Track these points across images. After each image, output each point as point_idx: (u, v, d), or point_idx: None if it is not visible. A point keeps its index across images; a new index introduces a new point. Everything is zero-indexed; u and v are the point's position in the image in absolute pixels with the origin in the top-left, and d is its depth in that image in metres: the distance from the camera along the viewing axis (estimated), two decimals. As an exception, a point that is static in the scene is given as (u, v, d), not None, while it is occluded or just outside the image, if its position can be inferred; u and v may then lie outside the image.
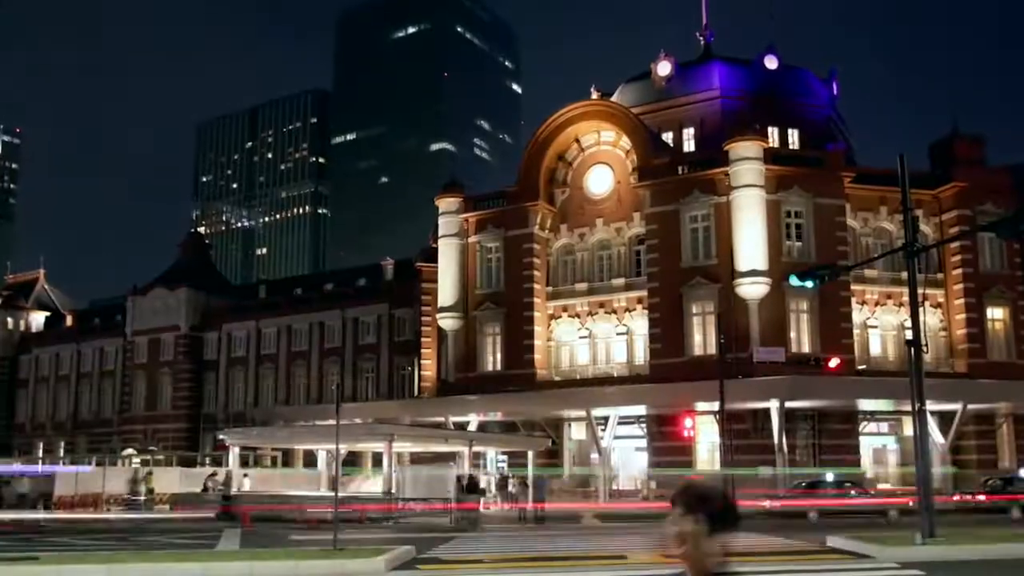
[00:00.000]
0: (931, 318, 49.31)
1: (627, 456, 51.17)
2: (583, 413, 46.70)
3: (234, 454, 40.31)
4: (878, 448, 48.79)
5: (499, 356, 53.76)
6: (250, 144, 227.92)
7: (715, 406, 36.72)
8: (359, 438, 39.48)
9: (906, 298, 34.83)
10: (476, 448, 43.22)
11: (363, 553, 18.25)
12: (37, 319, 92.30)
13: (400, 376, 68.08)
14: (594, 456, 48.43)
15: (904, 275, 41.55)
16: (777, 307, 46.00)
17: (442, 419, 49.81)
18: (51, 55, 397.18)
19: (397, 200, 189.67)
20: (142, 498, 41.06)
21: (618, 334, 51.63)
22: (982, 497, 34.05)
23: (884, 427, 48.70)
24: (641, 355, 50.57)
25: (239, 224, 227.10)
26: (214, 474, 42.61)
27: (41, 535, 26.72)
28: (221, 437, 43.19)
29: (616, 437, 46.68)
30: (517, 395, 50.43)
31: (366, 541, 22.44)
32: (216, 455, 67.36)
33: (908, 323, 28.34)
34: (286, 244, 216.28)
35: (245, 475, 41.10)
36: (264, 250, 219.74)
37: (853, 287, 47.46)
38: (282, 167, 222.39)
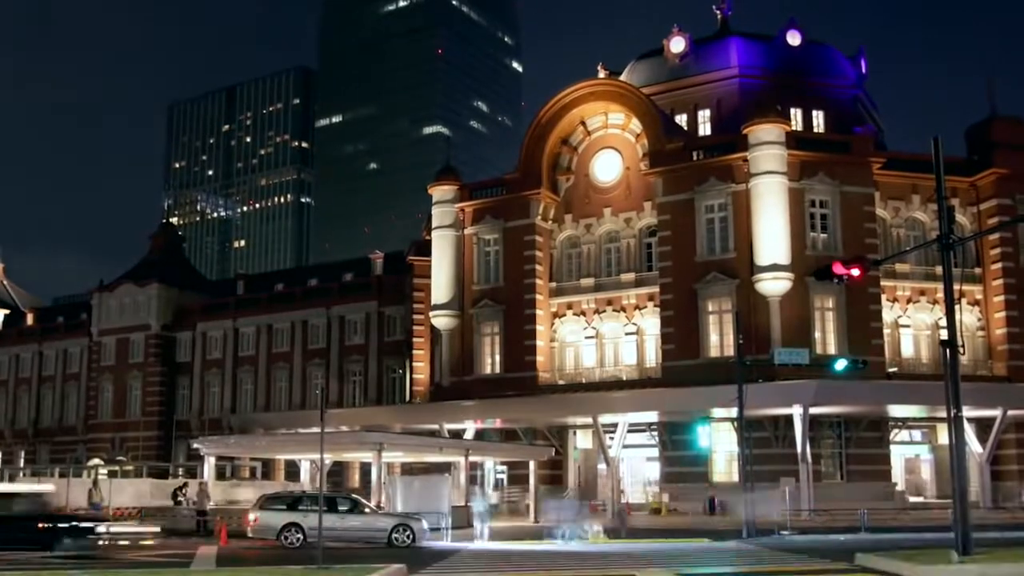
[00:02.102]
0: (968, 316, 49.33)
1: (637, 467, 51.22)
2: (589, 420, 46.75)
3: (209, 464, 40.34)
4: (910, 458, 48.91)
5: (498, 358, 53.80)
6: (227, 127, 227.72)
7: (733, 412, 36.72)
8: (345, 447, 39.49)
9: (941, 295, 34.76)
10: (473, 458, 43.27)
11: (350, 572, 18.26)
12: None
13: (390, 379, 68.14)
14: (601, 467, 48.52)
15: (939, 270, 41.43)
16: (800, 305, 46.03)
17: (436, 426, 49.89)
18: (3, 33, 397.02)
19: (387, 188, 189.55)
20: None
21: (627, 334, 51.67)
22: None
23: (917, 435, 48.82)
24: (652, 357, 50.61)
25: (215, 214, 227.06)
26: (184, 485, 42.58)
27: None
28: (195, 446, 43.20)
29: (625, 446, 46.76)
30: (517, 400, 50.47)
31: (353, 558, 22.47)
32: (190, 465, 67.42)
33: (943, 322, 28.33)
34: (266, 236, 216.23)
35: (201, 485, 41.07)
36: (242, 242, 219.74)
37: (883, 283, 47.48)
38: (262, 152, 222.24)
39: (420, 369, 61.37)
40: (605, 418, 45.97)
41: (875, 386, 43.00)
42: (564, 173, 54.99)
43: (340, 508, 28.52)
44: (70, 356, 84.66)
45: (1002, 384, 46.44)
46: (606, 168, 53.79)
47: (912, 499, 45.45)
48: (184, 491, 41.85)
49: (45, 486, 33.63)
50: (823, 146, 49.09)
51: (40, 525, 22.94)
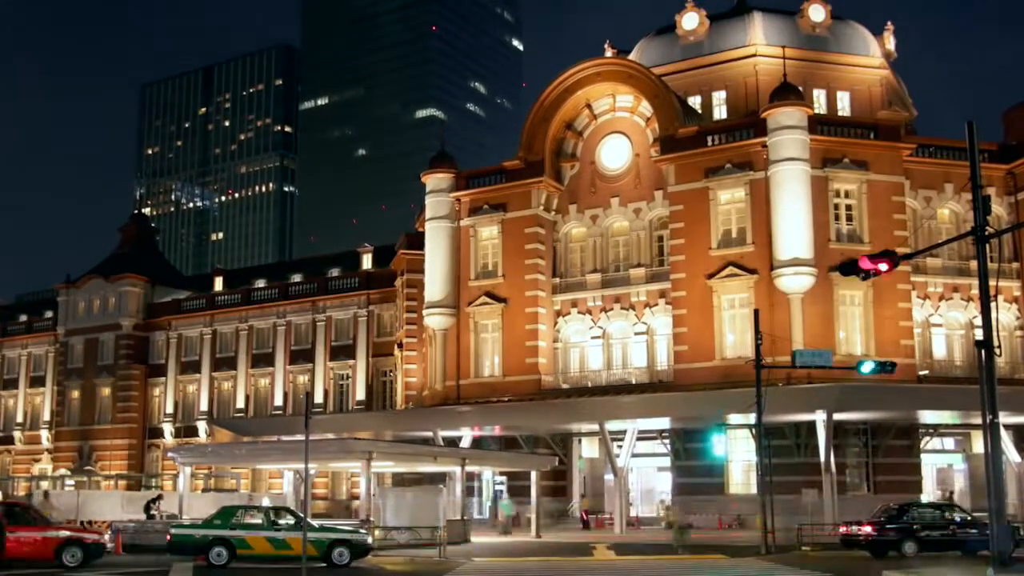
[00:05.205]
0: (1005, 315, 49.33)
1: (647, 477, 51.23)
2: (596, 427, 46.74)
3: (185, 475, 40.33)
4: (942, 468, 48.88)
5: (497, 359, 53.79)
6: (204, 110, 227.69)
7: (751, 419, 36.72)
8: (332, 456, 39.47)
9: (975, 291, 34.72)
10: (470, 468, 43.27)
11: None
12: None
13: (380, 383, 68.19)
14: (608, 477, 48.52)
15: (973, 264, 41.52)
16: (824, 302, 46.02)
17: (429, 434, 49.88)
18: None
19: (377, 176, 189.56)
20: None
21: (637, 334, 51.66)
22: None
23: (949, 443, 48.81)
24: (664, 358, 50.61)
25: (191, 204, 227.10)
26: (159, 498, 42.67)
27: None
28: (171, 455, 43.20)
29: (634, 455, 46.74)
30: (518, 405, 50.47)
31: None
32: (165, 475, 67.48)
33: (978, 321, 28.31)
34: (246, 227, 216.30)
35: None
36: (220, 235, 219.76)
37: (913, 279, 47.47)
38: (241, 137, 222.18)
39: (413, 372, 61.41)
40: (613, 425, 45.95)
41: (904, 390, 42.97)
42: (568, 160, 54.97)
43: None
44: (34, 358, 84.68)
45: (1042, 388, 46.44)
46: (614, 155, 53.76)
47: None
48: (158, 504, 41.92)
49: None
50: (849, 131, 49.01)
51: None
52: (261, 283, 77.41)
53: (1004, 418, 29.85)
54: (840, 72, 56.96)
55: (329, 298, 70.61)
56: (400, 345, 63.47)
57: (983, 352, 18.96)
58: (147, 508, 41.49)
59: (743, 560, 28.49)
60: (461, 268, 55.34)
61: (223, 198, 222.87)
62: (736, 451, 46.42)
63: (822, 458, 41.14)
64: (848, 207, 47.66)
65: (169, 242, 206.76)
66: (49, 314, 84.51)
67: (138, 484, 64.59)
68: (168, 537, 27.83)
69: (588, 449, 52.43)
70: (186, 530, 28.05)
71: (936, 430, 46.62)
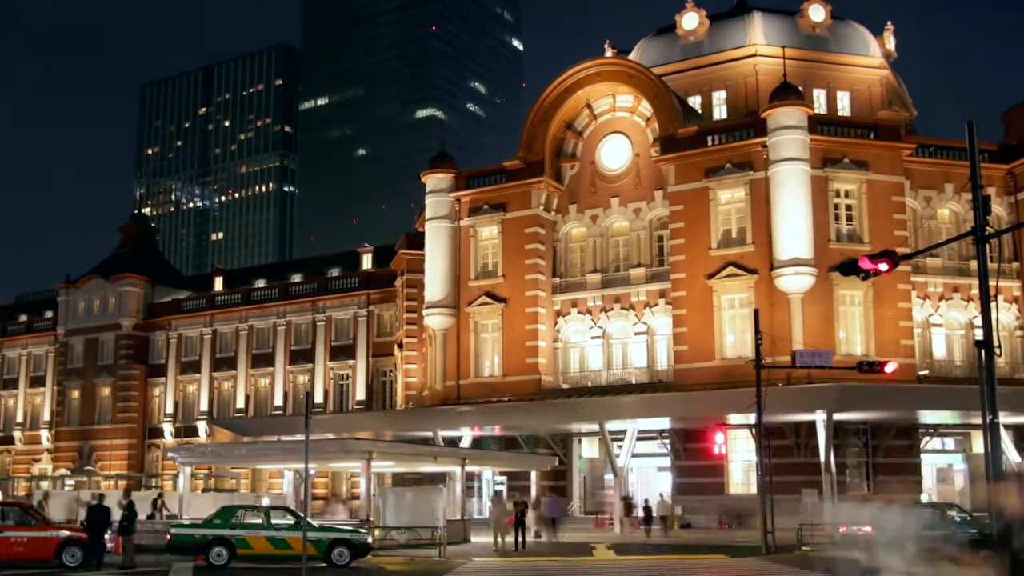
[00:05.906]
0: (1005, 315, 49.32)
1: (647, 477, 51.21)
2: (595, 427, 46.76)
3: (185, 475, 40.36)
4: (942, 467, 48.86)
5: (497, 359, 53.80)
6: (204, 110, 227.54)
7: (751, 419, 36.71)
8: (332, 456, 39.49)
9: (975, 291, 34.74)
10: (470, 468, 43.28)
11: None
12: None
13: (381, 383, 68.18)
14: (608, 477, 48.53)
15: (973, 264, 41.51)
16: (824, 302, 46.03)
17: (429, 434, 49.89)
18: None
19: (377, 176, 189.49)
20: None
21: (637, 334, 51.66)
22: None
23: (950, 443, 48.80)
24: (664, 358, 50.62)
25: (191, 204, 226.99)
26: (160, 497, 42.73)
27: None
28: (171, 455, 43.24)
29: (634, 455, 46.76)
30: (518, 405, 50.47)
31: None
32: (165, 475, 67.50)
33: (978, 320, 28.32)
34: (246, 227, 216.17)
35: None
36: (220, 235, 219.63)
37: (913, 279, 47.47)
38: (241, 137, 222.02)
39: (413, 372, 61.41)
40: (613, 425, 45.97)
41: (904, 390, 42.97)
42: (568, 160, 54.97)
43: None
44: (34, 358, 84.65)
45: (1042, 388, 46.41)
46: (614, 155, 53.77)
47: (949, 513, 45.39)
48: (160, 502, 41.99)
49: None
50: (848, 131, 49.04)
51: None
52: (261, 283, 77.41)
53: (1004, 418, 29.86)
54: (840, 72, 56.99)
55: (329, 298, 70.62)
56: (400, 345, 63.46)
57: (983, 352, 18.93)
58: (152, 509, 41.54)
59: (743, 560, 28.49)
60: (461, 268, 55.34)
61: (223, 198, 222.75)
62: (736, 451, 46.42)
63: (822, 458, 41.15)
64: (848, 207, 47.66)
65: (169, 242, 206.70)
66: (49, 314, 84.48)
67: (138, 484, 64.58)
68: (168, 537, 27.87)
69: (588, 449, 52.44)
70: (186, 530, 28.09)
71: (936, 430, 46.63)
